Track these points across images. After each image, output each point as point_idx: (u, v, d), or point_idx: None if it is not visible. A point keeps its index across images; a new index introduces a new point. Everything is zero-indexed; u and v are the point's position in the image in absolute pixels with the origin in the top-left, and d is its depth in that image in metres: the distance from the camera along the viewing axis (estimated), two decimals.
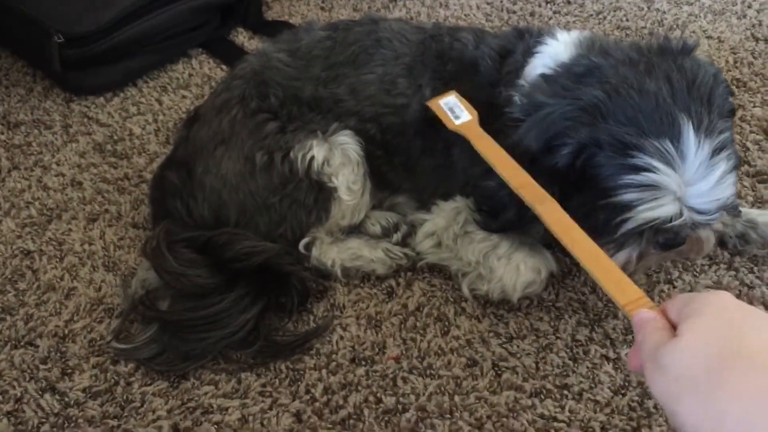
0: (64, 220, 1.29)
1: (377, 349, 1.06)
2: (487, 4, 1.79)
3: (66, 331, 1.10)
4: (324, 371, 1.04)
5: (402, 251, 1.16)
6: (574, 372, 1.02)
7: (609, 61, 0.95)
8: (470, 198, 1.08)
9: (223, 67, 1.64)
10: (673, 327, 0.59)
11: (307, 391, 1.02)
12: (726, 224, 1.12)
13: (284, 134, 1.11)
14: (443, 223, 1.11)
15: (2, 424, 0.99)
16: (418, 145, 1.13)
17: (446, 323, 1.09)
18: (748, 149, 1.32)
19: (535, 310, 1.10)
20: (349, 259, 1.15)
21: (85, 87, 1.57)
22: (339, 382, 1.02)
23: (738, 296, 1.04)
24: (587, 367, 1.02)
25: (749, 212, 1.16)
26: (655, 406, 0.97)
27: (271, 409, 1.00)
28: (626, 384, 0.99)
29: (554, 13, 1.74)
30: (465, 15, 1.76)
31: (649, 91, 0.88)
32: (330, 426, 0.97)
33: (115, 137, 1.47)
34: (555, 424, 0.96)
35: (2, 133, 1.48)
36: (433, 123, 1.08)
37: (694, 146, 0.86)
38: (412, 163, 1.15)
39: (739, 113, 1.39)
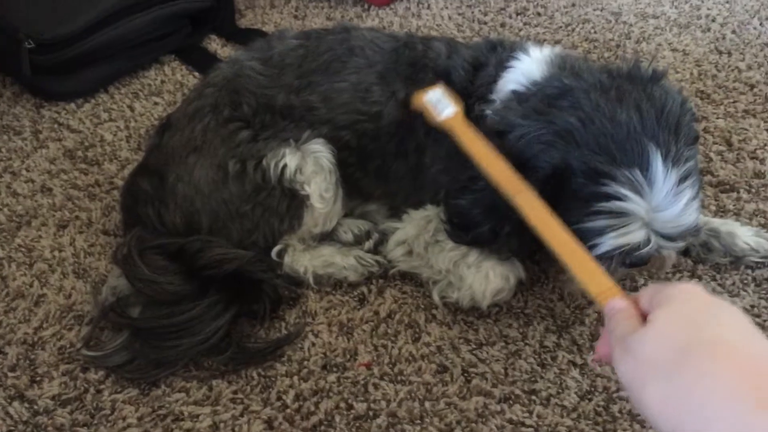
0: (33, 227, 1.28)
1: (349, 356, 1.07)
2: (459, 14, 1.81)
3: (35, 339, 1.10)
4: (295, 378, 1.04)
5: (374, 259, 1.17)
6: (541, 378, 1.03)
7: (581, 84, 0.96)
8: (440, 207, 1.09)
9: (196, 74, 1.63)
10: (644, 317, 0.61)
11: (279, 398, 1.02)
12: None
13: (257, 142, 1.12)
14: (414, 232, 1.12)
15: None
16: (392, 148, 1.14)
17: (417, 330, 1.10)
18: (711, 160, 1.35)
19: (504, 317, 1.12)
20: (321, 267, 1.16)
21: (56, 93, 1.56)
22: (310, 389, 1.03)
23: None
24: (555, 373, 1.04)
25: (711, 221, 1.18)
26: (620, 411, 0.99)
27: (242, 416, 1.00)
28: (592, 389, 1.01)
29: (524, 24, 1.77)
30: (437, 25, 1.78)
31: (621, 121, 0.90)
32: None
33: (86, 143, 1.46)
34: (523, 429, 0.97)
35: None
36: (409, 125, 1.09)
37: (662, 175, 0.88)
38: (386, 167, 1.16)
39: (703, 124, 1.42)
